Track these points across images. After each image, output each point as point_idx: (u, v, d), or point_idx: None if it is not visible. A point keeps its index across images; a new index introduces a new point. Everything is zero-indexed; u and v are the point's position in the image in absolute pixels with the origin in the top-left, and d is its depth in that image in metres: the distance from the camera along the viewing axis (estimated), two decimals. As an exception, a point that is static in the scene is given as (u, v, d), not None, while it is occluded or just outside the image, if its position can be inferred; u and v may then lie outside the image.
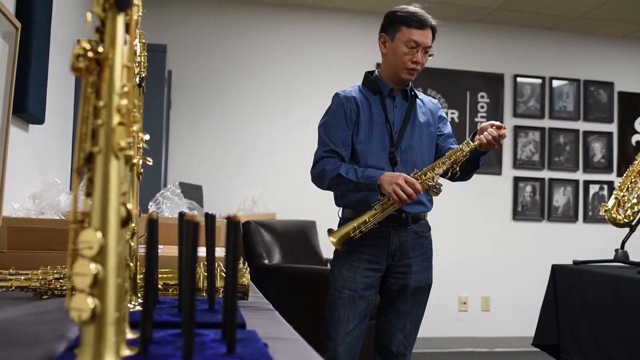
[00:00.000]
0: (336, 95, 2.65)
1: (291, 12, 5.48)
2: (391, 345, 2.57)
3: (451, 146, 2.62)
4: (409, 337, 2.59)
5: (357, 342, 2.53)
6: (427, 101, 2.73)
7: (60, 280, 1.48)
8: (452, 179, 2.61)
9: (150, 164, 1.19)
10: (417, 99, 2.68)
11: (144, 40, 1.25)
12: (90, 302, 0.65)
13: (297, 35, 5.51)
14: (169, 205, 2.68)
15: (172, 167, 5.01)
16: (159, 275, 1.48)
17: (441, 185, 2.46)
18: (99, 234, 0.66)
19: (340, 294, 2.53)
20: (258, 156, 5.28)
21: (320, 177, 2.54)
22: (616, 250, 3.14)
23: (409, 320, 2.59)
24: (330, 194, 2.67)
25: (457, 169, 2.46)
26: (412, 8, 2.58)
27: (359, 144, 2.55)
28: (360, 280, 2.51)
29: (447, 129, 2.73)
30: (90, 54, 0.68)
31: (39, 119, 2.59)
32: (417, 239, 2.59)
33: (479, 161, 2.56)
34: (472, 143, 2.44)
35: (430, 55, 2.59)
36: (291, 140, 5.27)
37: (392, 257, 2.54)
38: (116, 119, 0.68)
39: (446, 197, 5.39)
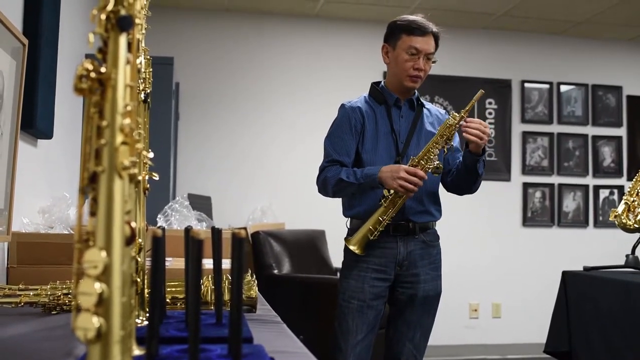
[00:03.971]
0: (342, 106, 2.67)
1: (297, 22, 5.50)
2: (401, 356, 2.56)
3: (458, 160, 2.62)
4: (419, 347, 2.58)
5: (367, 353, 2.53)
6: (435, 111, 2.73)
7: (69, 296, 1.48)
8: (461, 193, 2.62)
9: (157, 179, 1.19)
10: (423, 109, 2.68)
11: (148, 57, 1.26)
12: (96, 321, 0.65)
13: (304, 45, 5.53)
14: (178, 218, 2.69)
15: (181, 178, 5.02)
16: (168, 289, 1.49)
17: (440, 163, 2.46)
18: (104, 253, 0.66)
19: (349, 304, 2.52)
20: (266, 166, 5.29)
21: (324, 186, 2.56)
22: (627, 256, 3.12)
23: (418, 330, 2.57)
24: (339, 203, 2.67)
25: (452, 144, 2.49)
26: (412, 17, 2.59)
27: (365, 153, 2.56)
28: (369, 290, 2.51)
29: (455, 141, 2.69)
30: (92, 75, 0.68)
31: (47, 134, 2.61)
32: (425, 248, 2.58)
33: (478, 169, 2.52)
34: (457, 115, 2.44)
35: (433, 62, 2.59)
36: (299, 149, 5.28)
37: (400, 266, 2.53)
38: (119, 138, 0.69)
39: (456, 204, 5.39)
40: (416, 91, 2.66)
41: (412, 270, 2.55)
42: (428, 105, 2.73)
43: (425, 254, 2.58)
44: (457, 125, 2.45)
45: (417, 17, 2.58)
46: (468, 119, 2.42)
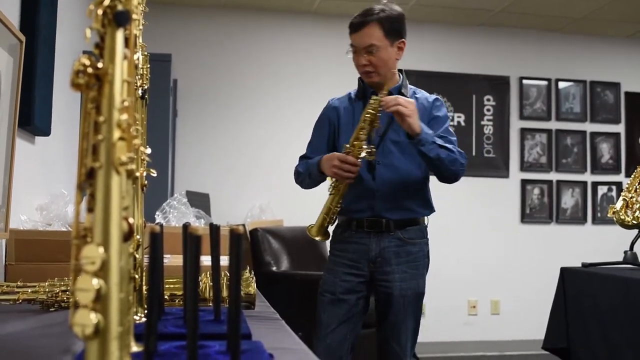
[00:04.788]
0: (327, 103, 2.74)
1: (295, 19, 5.49)
2: (389, 355, 2.52)
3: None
4: (405, 348, 2.51)
5: (339, 344, 2.48)
6: (423, 99, 2.61)
7: (67, 293, 1.48)
8: (445, 181, 2.55)
9: (155, 175, 1.19)
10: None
11: (146, 53, 1.26)
12: (94, 317, 0.65)
13: (302, 41, 5.52)
14: (176, 215, 2.69)
15: (179, 175, 5.01)
16: (166, 286, 1.49)
17: (373, 147, 2.41)
18: (101, 249, 0.66)
19: (323, 297, 2.54)
20: (264, 163, 5.29)
21: (295, 178, 2.73)
22: (625, 252, 3.12)
23: (403, 332, 2.50)
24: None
25: (380, 126, 2.44)
26: (360, 11, 2.52)
27: (340, 148, 2.55)
28: (340, 284, 2.50)
29: (439, 127, 2.53)
30: (89, 70, 0.68)
31: (45, 131, 2.60)
32: (402, 245, 2.50)
33: (427, 153, 2.37)
34: (377, 99, 2.41)
35: (400, 46, 2.51)
36: (297, 146, 5.24)
37: (374, 263, 2.49)
38: (116, 134, 0.68)
39: (454, 200, 5.38)
40: (402, 78, 2.60)
41: (385, 268, 2.48)
42: (419, 93, 2.63)
43: (402, 252, 2.49)
44: (379, 109, 2.40)
45: (363, 11, 2.51)
46: (383, 99, 2.38)
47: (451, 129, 2.63)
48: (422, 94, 2.65)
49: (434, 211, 2.61)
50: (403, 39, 2.54)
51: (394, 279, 2.47)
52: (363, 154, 2.40)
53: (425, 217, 2.59)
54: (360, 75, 2.59)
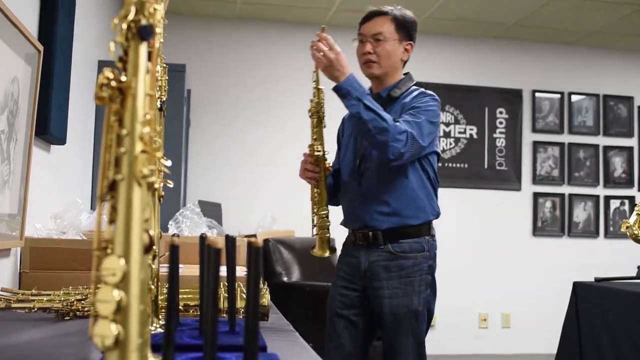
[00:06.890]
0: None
1: (309, 31, 5.50)
2: None
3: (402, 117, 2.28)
4: None
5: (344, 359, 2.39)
6: (410, 97, 2.38)
7: (82, 302, 1.49)
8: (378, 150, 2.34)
9: (171, 186, 1.20)
10: (397, 102, 2.40)
11: (164, 64, 1.26)
12: (114, 328, 0.66)
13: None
14: (189, 225, 2.69)
15: (192, 185, 5.03)
16: (180, 296, 1.49)
17: (318, 144, 2.38)
18: (122, 261, 0.67)
19: (328, 311, 2.48)
20: (277, 173, 5.29)
21: None
22: (638, 267, 3.10)
23: (398, 352, 2.29)
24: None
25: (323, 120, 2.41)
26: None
27: (339, 164, 2.53)
28: (338, 299, 2.42)
29: (411, 109, 2.30)
30: (113, 83, 0.69)
31: (61, 140, 2.62)
32: (393, 259, 2.30)
33: (342, 99, 2.26)
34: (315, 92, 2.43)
35: (406, 50, 2.43)
36: (309, 157, 5.28)
37: (364, 278, 2.35)
38: (139, 147, 0.69)
39: (465, 212, 5.36)
40: (401, 81, 2.44)
41: (374, 283, 2.32)
42: (415, 93, 2.39)
43: (393, 266, 2.29)
44: (319, 101, 2.41)
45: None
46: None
47: (428, 122, 2.28)
48: (416, 92, 2.41)
49: (433, 217, 2.38)
50: (411, 42, 2.46)
51: (383, 295, 2.29)
52: (317, 153, 2.38)
53: (426, 228, 2.35)
54: (361, 70, 2.48)
